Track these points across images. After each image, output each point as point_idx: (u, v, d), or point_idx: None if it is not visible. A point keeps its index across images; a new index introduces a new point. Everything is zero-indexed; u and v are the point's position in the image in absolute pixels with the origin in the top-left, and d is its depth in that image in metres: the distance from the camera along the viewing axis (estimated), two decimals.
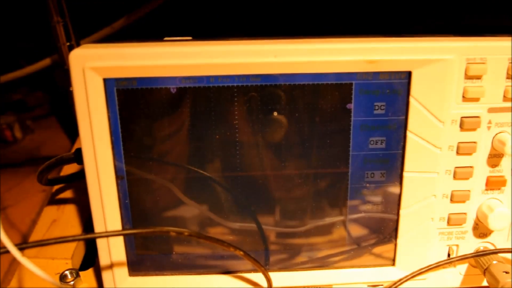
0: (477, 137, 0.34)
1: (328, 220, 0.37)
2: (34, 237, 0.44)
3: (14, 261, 0.41)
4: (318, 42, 0.33)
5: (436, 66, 0.32)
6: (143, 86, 0.33)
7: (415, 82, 0.33)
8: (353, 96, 0.33)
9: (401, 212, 0.36)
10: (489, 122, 0.34)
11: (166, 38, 0.36)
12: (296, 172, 0.35)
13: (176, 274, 0.37)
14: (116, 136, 0.33)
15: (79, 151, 0.35)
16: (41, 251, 0.41)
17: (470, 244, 0.37)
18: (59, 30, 0.54)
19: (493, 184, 0.35)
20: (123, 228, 0.35)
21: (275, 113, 0.34)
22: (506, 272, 0.34)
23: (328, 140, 0.34)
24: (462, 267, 0.38)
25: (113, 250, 0.36)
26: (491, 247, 0.37)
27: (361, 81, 0.33)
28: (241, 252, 0.33)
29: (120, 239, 0.36)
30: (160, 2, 0.57)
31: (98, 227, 0.35)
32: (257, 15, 0.61)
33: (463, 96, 0.33)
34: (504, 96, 0.33)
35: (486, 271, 0.35)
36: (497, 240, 0.37)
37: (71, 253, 0.41)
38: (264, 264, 0.37)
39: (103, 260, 0.36)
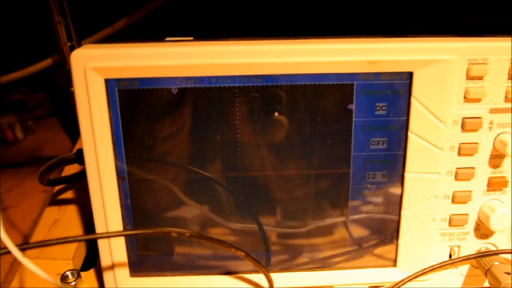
0: (479, 138, 0.34)
1: (329, 220, 0.37)
2: (35, 237, 0.44)
3: (15, 262, 0.41)
4: (319, 42, 0.33)
5: (438, 67, 0.32)
6: (144, 87, 0.33)
7: (417, 82, 0.33)
8: (354, 97, 0.33)
9: (403, 213, 0.36)
10: (491, 123, 0.34)
11: (167, 39, 0.36)
12: (297, 172, 0.35)
13: (177, 275, 0.37)
14: (117, 137, 0.33)
15: (80, 152, 0.35)
16: (42, 251, 0.41)
17: (472, 245, 0.37)
18: (60, 30, 0.54)
19: (494, 185, 0.35)
20: (125, 229, 0.35)
21: (276, 114, 0.34)
22: (508, 273, 0.34)
23: (329, 141, 0.34)
24: (464, 268, 0.38)
25: (114, 250, 0.36)
26: (493, 248, 0.37)
27: (363, 81, 0.33)
28: (242, 253, 0.33)
29: (121, 239, 0.36)
30: (161, 2, 0.57)
31: (99, 228, 0.35)
32: (258, 15, 0.61)
33: (465, 97, 0.33)
34: (505, 97, 0.33)
35: (487, 272, 0.35)
36: (498, 241, 0.37)
37: (72, 253, 0.41)
38: (265, 265, 0.37)
39: (104, 260, 0.36)
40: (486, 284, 0.37)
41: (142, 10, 0.58)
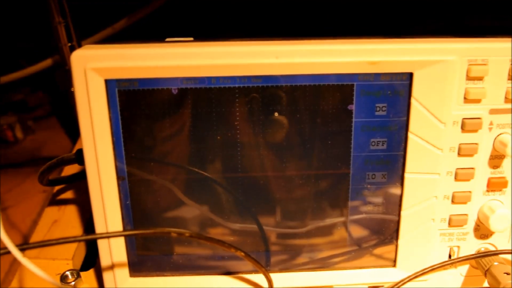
0: (479, 138, 0.34)
1: (329, 221, 0.37)
2: (35, 237, 0.44)
3: (14, 262, 0.41)
4: (319, 43, 0.33)
5: (438, 67, 0.32)
6: (144, 87, 0.33)
7: (417, 83, 0.33)
8: (354, 97, 0.33)
9: (402, 213, 0.36)
10: (491, 124, 0.34)
11: (167, 39, 0.36)
12: (297, 173, 0.35)
13: (177, 275, 0.37)
14: (118, 137, 0.33)
15: (80, 152, 0.35)
16: (42, 251, 0.41)
17: (471, 245, 0.37)
18: (61, 30, 0.54)
19: (494, 185, 0.35)
20: (124, 229, 0.35)
21: (276, 114, 0.34)
22: (507, 274, 0.34)
23: (329, 141, 0.34)
24: (463, 268, 0.38)
25: (114, 250, 0.36)
26: (492, 248, 0.37)
27: (363, 82, 0.33)
28: (242, 253, 0.33)
29: (121, 239, 0.36)
30: (162, 3, 0.57)
31: (99, 228, 0.35)
32: (258, 15, 0.61)
33: (465, 98, 0.33)
34: (505, 98, 0.33)
35: (487, 272, 0.35)
36: (498, 241, 0.37)
37: (72, 253, 0.41)
38: (265, 265, 0.37)
39: (104, 260, 0.36)
40: (486, 284, 0.37)
41: (142, 10, 0.58)
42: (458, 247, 0.37)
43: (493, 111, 0.34)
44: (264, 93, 0.33)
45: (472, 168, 0.35)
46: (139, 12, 0.58)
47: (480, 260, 0.36)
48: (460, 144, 0.34)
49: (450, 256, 0.37)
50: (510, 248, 0.37)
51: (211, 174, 0.35)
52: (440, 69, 0.32)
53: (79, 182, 0.47)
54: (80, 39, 0.56)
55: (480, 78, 0.33)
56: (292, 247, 0.37)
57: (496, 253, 0.36)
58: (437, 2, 0.58)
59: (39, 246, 0.29)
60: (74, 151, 0.39)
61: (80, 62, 0.31)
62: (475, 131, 0.34)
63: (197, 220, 0.36)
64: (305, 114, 0.34)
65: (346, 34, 0.36)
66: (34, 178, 0.42)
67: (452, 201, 0.36)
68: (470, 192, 0.36)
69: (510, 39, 0.33)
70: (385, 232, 0.37)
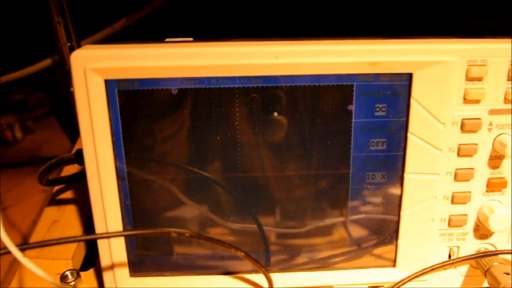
0: (478, 139, 0.34)
1: (328, 221, 0.37)
2: (35, 237, 0.44)
3: (14, 262, 0.41)
4: (319, 43, 0.33)
5: (437, 68, 0.32)
6: (144, 87, 0.33)
7: (416, 83, 0.33)
8: (354, 98, 0.33)
9: (402, 213, 0.36)
10: (490, 124, 0.34)
11: (167, 39, 0.36)
12: (297, 173, 0.35)
13: (177, 275, 0.37)
14: (117, 137, 0.33)
15: (80, 152, 0.35)
16: (42, 251, 0.41)
17: (471, 246, 0.37)
18: (60, 30, 0.54)
19: (493, 185, 0.35)
20: (124, 229, 0.35)
21: (276, 114, 0.34)
22: (507, 274, 0.34)
23: (329, 142, 0.35)
24: (463, 268, 0.38)
25: (114, 250, 0.36)
26: (492, 249, 0.37)
27: (362, 82, 0.33)
28: (242, 253, 0.33)
29: (121, 239, 0.36)
30: (161, 3, 0.57)
31: (99, 228, 0.35)
32: (258, 16, 0.61)
33: (464, 98, 0.33)
34: (505, 98, 0.33)
35: (487, 272, 0.35)
36: (497, 242, 0.37)
37: (72, 253, 0.41)
38: (265, 265, 0.37)
39: (104, 260, 0.36)
40: (486, 284, 0.37)
41: (141, 10, 0.58)
42: (458, 247, 0.37)
43: (492, 112, 0.34)
44: (264, 93, 0.33)
45: (471, 169, 0.35)
46: (138, 12, 0.58)
47: (480, 260, 0.36)
48: (459, 144, 0.34)
49: (450, 256, 0.38)
50: (509, 248, 0.37)
51: (211, 174, 0.35)
52: (440, 70, 0.32)
53: (79, 182, 0.47)
54: (79, 39, 0.56)
55: (479, 79, 0.33)
56: (292, 247, 0.37)
57: (495, 253, 0.36)
58: (437, 2, 0.58)
59: (40, 246, 0.29)
60: (74, 151, 0.39)
61: (80, 62, 0.31)
62: (475, 131, 0.34)
63: (197, 220, 0.36)
64: (305, 115, 0.34)
65: (345, 35, 0.36)
66: (33, 178, 0.42)
67: (452, 201, 0.36)
68: (469, 192, 0.36)
69: (509, 39, 0.33)
70: (385, 232, 0.37)
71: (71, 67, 0.32)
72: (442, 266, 0.37)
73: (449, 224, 0.36)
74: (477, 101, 0.33)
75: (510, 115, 0.34)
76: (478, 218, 0.36)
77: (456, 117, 0.34)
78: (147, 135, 0.34)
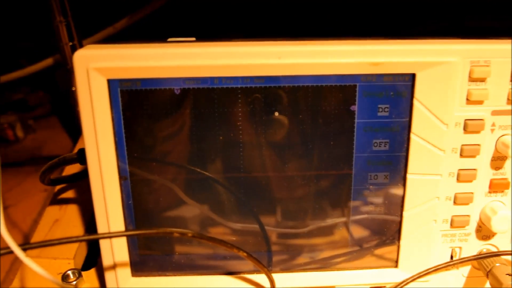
0: (481, 139, 0.34)
1: (330, 221, 0.37)
2: (36, 237, 0.43)
3: (15, 261, 0.41)
4: (322, 44, 0.33)
5: (440, 69, 0.32)
6: (147, 87, 0.33)
7: (419, 84, 0.33)
8: (356, 98, 0.33)
9: (404, 214, 0.36)
10: (493, 125, 0.34)
11: (169, 39, 0.36)
12: (299, 173, 0.35)
13: (179, 275, 0.37)
14: (120, 137, 0.33)
15: (82, 151, 0.35)
16: (44, 251, 0.41)
17: (473, 246, 0.37)
18: (62, 30, 0.53)
19: (496, 186, 0.35)
20: (127, 229, 0.35)
21: (279, 115, 0.34)
22: (509, 275, 0.34)
23: (331, 142, 0.35)
24: (465, 269, 0.38)
25: (116, 250, 0.36)
26: (494, 250, 0.37)
27: (365, 83, 0.33)
28: (244, 253, 0.33)
29: (123, 239, 0.36)
30: (163, 2, 0.57)
31: (101, 228, 0.35)
32: (260, 16, 0.61)
33: (467, 99, 0.33)
34: (508, 99, 0.33)
35: (489, 273, 0.35)
36: (500, 243, 0.37)
37: (74, 253, 0.41)
38: (266, 265, 0.37)
39: (106, 260, 0.36)
40: (487, 285, 0.37)
41: (143, 10, 0.58)
42: (460, 248, 0.37)
43: (495, 113, 0.34)
44: (267, 93, 0.33)
45: (474, 169, 0.35)
46: (140, 12, 0.58)
47: (482, 261, 0.36)
48: (462, 145, 0.34)
49: (452, 257, 0.37)
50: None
51: (213, 174, 0.35)
52: (443, 70, 0.32)
53: (80, 182, 0.47)
54: (81, 38, 0.56)
55: (482, 80, 0.33)
56: (294, 247, 0.37)
57: (498, 254, 0.36)
58: (437, 3, 0.58)
59: (42, 245, 0.29)
60: (75, 150, 0.39)
61: (82, 62, 0.31)
62: (477, 132, 0.34)
63: (199, 220, 0.36)
64: (307, 115, 0.34)
65: (348, 35, 0.36)
66: (34, 177, 0.42)
67: (454, 202, 0.36)
68: (472, 193, 0.36)
69: None
70: (387, 232, 0.37)
71: (74, 66, 0.31)
72: (444, 267, 0.37)
73: (451, 225, 0.36)
74: (480, 102, 0.33)
75: None
76: (480, 219, 0.36)
77: (459, 117, 0.34)
78: (149, 135, 0.34)
